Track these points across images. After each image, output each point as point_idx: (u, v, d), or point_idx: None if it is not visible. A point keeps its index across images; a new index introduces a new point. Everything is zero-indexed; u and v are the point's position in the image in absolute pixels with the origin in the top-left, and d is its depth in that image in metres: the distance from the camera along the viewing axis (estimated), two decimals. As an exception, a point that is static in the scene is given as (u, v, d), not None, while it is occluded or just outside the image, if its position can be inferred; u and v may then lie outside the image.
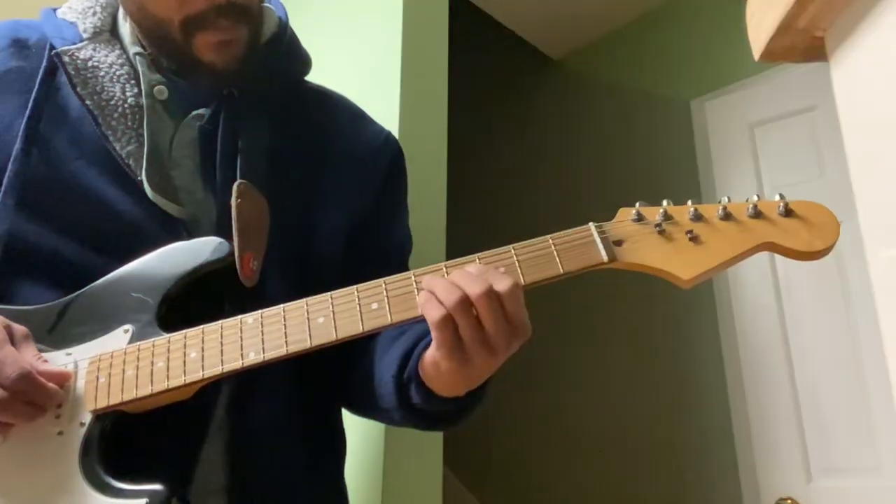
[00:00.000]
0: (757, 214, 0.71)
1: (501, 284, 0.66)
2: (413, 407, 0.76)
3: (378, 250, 0.93)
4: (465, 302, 0.65)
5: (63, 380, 0.71)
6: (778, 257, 2.34)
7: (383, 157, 0.97)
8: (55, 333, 0.75)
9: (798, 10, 0.44)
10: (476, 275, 0.67)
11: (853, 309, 1.89)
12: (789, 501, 1.87)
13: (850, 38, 0.43)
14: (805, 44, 0.48)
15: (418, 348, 0.75)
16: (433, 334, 0.67)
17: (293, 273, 0.84)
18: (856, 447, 1.82)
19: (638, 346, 2.47)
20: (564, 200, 2.77)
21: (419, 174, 1.31)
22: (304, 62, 0.96)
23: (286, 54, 0.93)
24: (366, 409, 0.89)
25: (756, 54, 0.50)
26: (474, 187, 3.07)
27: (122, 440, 0.72)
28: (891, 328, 0.37)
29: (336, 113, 0.99)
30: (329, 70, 1.06)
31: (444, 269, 0.71)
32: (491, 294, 0.65)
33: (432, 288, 0.67)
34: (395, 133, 1.04)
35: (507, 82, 3.22)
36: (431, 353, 0.70)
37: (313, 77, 0.99)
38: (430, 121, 1.43)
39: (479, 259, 0.71)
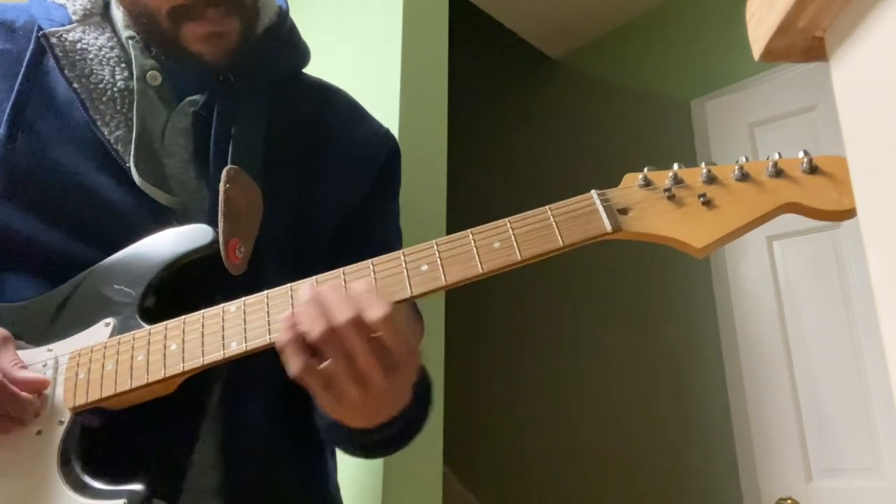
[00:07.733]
0: (778, 173, 0.63)
1: (373, 312, 0.60)
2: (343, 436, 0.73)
3: (363, 250, 0.90)
4: (332, 333, 0.60)
5: (40, 387, 0.69)
6: (778, 257, 2.33)
7: (377, 157, 0.95)
8: (37, 329, 0.73)
9: (798, 10, 0.44)
10: (346, 300, 0.62)
11: (853, 309, 1.89)
12: (789, 501, 1.87)
13: (850, 38, 0.43)
14: (805, 44, 0.47)
15: None
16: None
17: (288, 264, 0.81)
18: (856, 447, 1.82)
19: (637, 346, 2.47)
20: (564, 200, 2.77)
21: (419, 174, 1.31)
22: (302, 53, 0.93)
23: (284, 44, 0.90)
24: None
25: (756, 54, 0.50)
26: (474, 187, 3.07)
27: (113, 440, 0.70)
28: (891, 328, 0.37)
29: (334, 107, 0.96)
30: (329, 69, 1.06)
31: (436, 248, 0.66)
32: (359, 322, 0.60)
33: (297, 313, 0.62)
34: (395, 132, 1.03)
35: (507, 82, 3.22)
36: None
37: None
38: (430, 120, 1.43)
39: (473, 234, 0.66)
